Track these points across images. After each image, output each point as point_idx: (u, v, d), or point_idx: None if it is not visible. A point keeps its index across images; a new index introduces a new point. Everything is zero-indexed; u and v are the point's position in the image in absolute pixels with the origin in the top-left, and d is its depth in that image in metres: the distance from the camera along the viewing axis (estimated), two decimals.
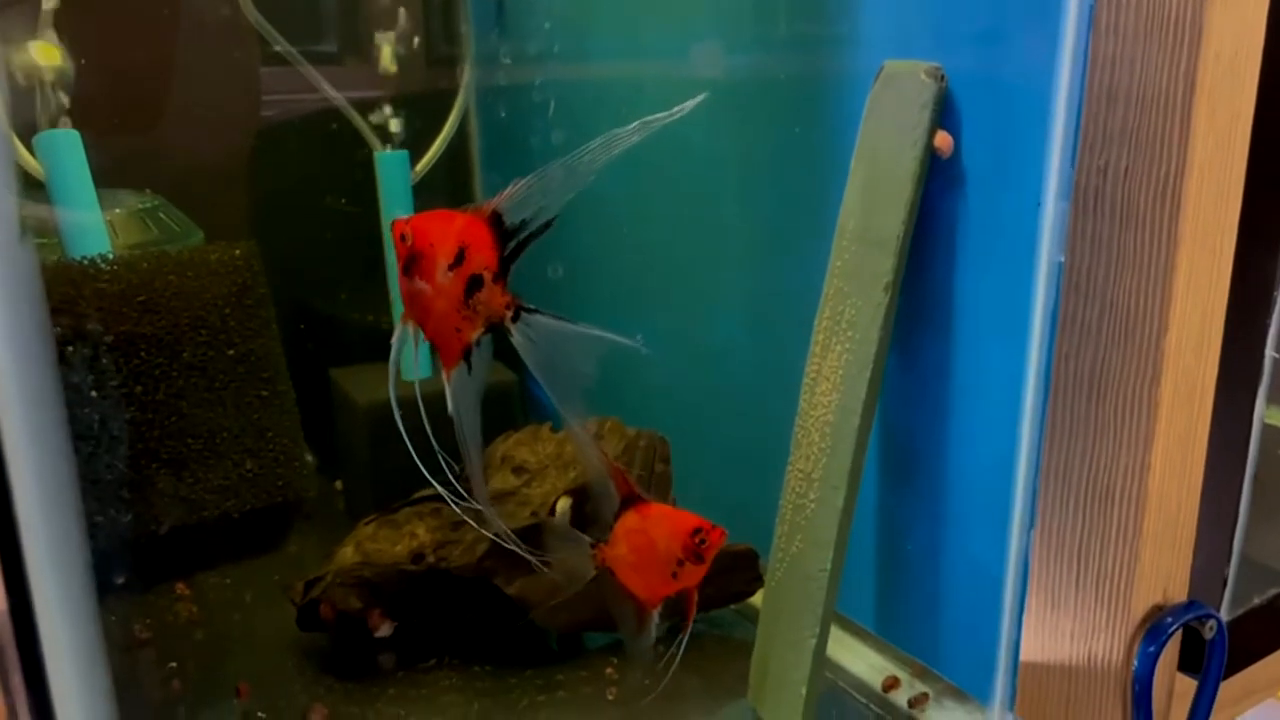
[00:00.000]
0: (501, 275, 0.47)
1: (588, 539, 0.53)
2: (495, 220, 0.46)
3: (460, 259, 0.45)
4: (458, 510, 0.55)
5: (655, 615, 0.53)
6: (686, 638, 0.54)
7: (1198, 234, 0.54)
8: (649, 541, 0.52)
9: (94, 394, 0.54)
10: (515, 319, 0.47)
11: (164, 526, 0.65)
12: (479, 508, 0.54)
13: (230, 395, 0.68)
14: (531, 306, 0.48)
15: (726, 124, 0.70)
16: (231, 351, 0.67)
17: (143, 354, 0.64)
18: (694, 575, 0.53)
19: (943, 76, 0.54)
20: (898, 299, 0.56)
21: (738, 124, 0.70)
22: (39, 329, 0.32)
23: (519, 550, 0.55)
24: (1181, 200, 0.53)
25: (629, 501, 0.53)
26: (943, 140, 0.54)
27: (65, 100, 0.64)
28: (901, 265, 0.55)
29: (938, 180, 0.55)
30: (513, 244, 0.46)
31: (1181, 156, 0.53)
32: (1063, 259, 0.53)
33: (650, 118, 0.46)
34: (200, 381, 0.66)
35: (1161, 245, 0.54)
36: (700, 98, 0.47)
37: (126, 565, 0.60)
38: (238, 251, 0.70)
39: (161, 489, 0.64)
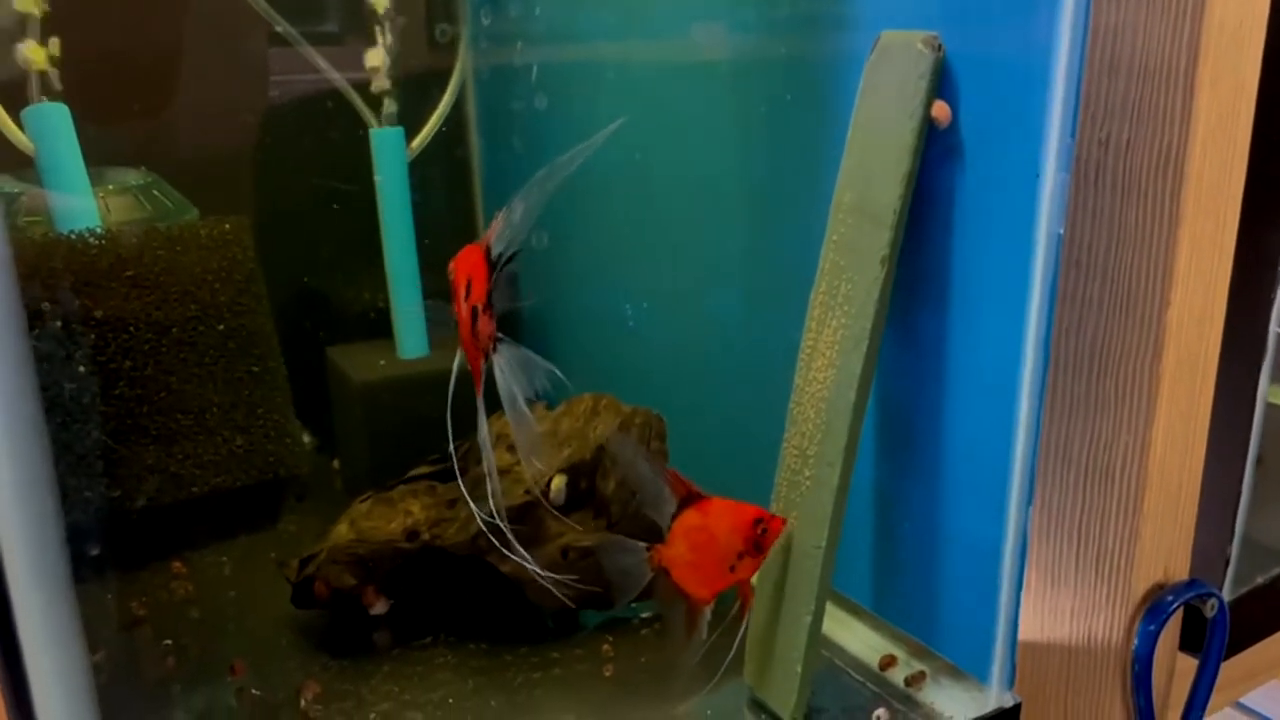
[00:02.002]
0: (489, 306, 0.49)
1: (643, 544, 0.52)
2: (487, 254, 0.49)
3: (469, 292, 0.49)
4: (480, 518, 0.56)
5: (708, 612, 0.53)
6: (745, 629, 0.54)
7: (1200, 207, 0.54)
8: (710, 538, 0.52)
9: (80, 369, 0.53)
10: (494, 349, 0.50)
11: (151, 501, 0.64)
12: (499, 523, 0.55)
13: (220, 371, 0.67)
14: (501, 336, 0.50)
15: (721, 98, 0.69)
16: (221, 327, 0.67)
17: (131, 329, 0.64)
18: (751, 567, 0.53)
19: (940, 46, 0.53)
20: (894, 273, 0.55)
21: (733, 98, 0.69)
22: (7, 300, 0.32)
23: (525, 562, 0.56)
24: (1184, 173, 0.52)
25: (688, 500, 0.52)
26: (940, 111, 0.53)
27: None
28: (898, 238, 0.54)
29: (935, 152, 0.54)
30: (494, 276, 0.49)
31: (1184, 129, 0.52)
32: (1062, 231, 0.52)
33: (584, 144, 0.49)
34: (189, 357, 0.66)
35: (1163, 219, 0.53)
36: (619, 122, 0.50)
37: (117, 542, 0.60)
38: (227, 226, 0.69)
39: (151, 465, 0.64)
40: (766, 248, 0.69)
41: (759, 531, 0.52)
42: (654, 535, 0.53)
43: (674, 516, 0.52)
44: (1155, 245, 0.54)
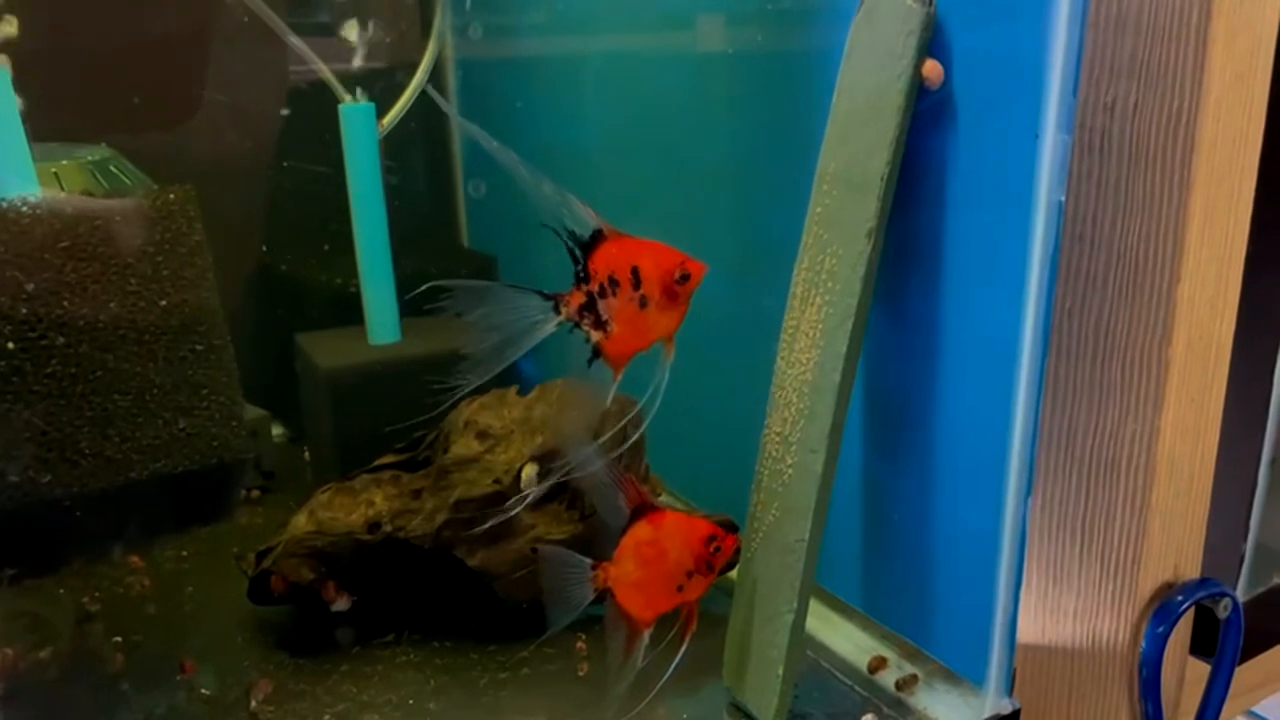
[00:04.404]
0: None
1: (589, 561, 0.49)
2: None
3: (637, 281, 0.49)
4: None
5: (646, 637, 0.50)
6: (681, 656, 0.51)
7: (1213, 175, 0.50)
8: (660, 553, 0.49)
9: (9, 345, 0.50)
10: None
11: (85, 487, 0.61)
12: None
13: (161, 349, 0.64)
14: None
15: (700, 63, 0.66)
16: (164, 302, 0.64)
17: (65, 303, 0.60)
18: (699, 588, 0.51)
19: (931, 1, 0.49)
20: (881, 246, 0.51)
21: (712, 62, 0.65)
22: None
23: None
24: (1195, 138, 0.49)
25: (640, 511, 0.49)
26: (931, 70, 0.50)
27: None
28: (886, 209, 0.51)
29: (926, 115, 0.51)
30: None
31: (1196, 89, 0.49)
32: (1063, 198, 0.48)
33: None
34: (129, 334, 0.62)
35: (1174, 188, 0.50)
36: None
37: (52, 530, 0.57)
38: (172, 196, 0.66)
39: (85, 448, 0.61)
40: (747, 222, 0.66)
41: (711, 550, 0.50)
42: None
43: (625, 529, 0.49)
44: (1165, 217, 0.50)
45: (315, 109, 0.77)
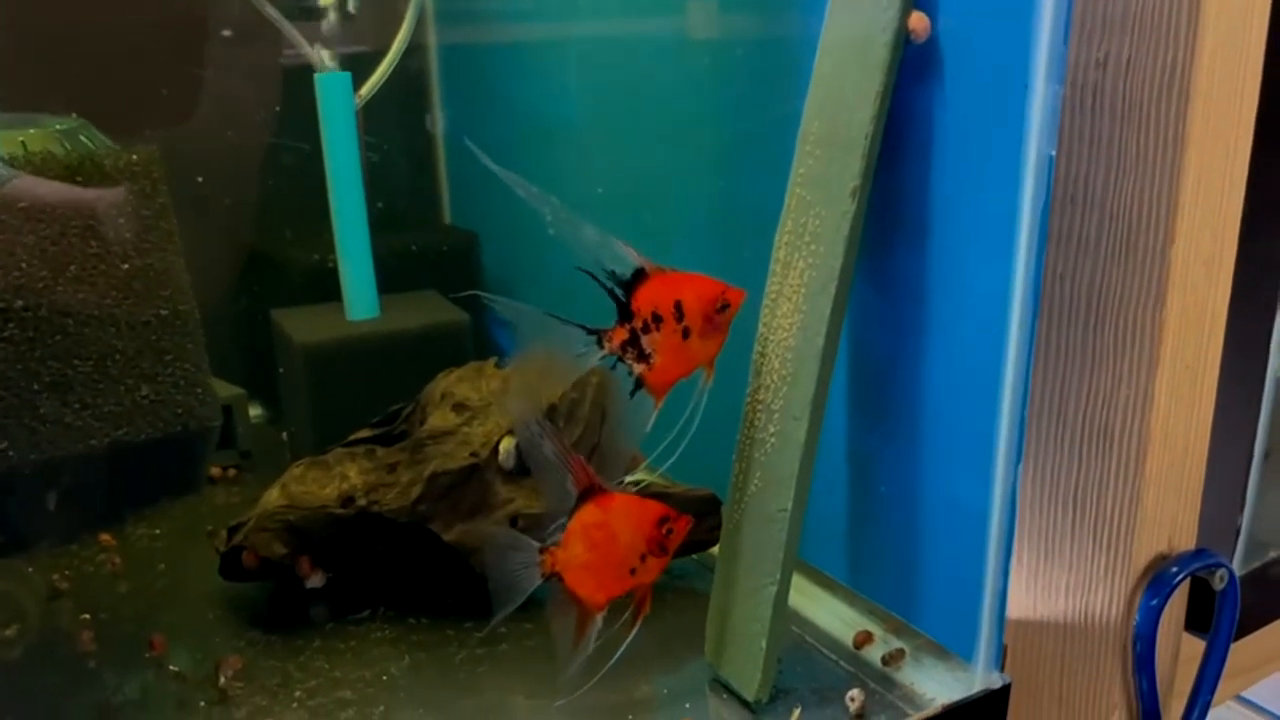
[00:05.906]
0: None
1: (536, 544, 0.48)
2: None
3: (680, 314, 0.50)
4: None
5: (599, 622, 0.49)
6: (632, 637, 0.50)
7: (1208, 132, 0.48)
8: (609, 536, 0.48)
9: None
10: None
11: (42, 454, 0.59)
12: None
13: (124, 313, 0.62)
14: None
15: (677, 20, 0.64)
16: (126, 266, 0.62)
17: (24, 265, 0.59)
18: (653, 570, 0.49)
19: None
20: (866, 207, 0.50)
21: (689, 20, 0.64)
22: None
23: None
24: (1190, 93, 0.47)
25: (588, 493, 0.48)
26: (918, 22, 0.48)
27: None
28: (871, 168, 0.49)
29: (912, 69, 0.49)
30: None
31: (1190, 43, 0.47)
32: (1053, 153, 0.47)
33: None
34: (89, 297, 0.61)
35: (1167, 146, 0.48)
36: None
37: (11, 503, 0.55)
38: (135, 157, 0.64)
39: (43, 414, 0.59)
40: (728, 184, 0.64)
41: (664, 532, 0.49)
42: None
43: (572, 512, 0.48)
44: (1158, 176, 0.49)
45: (294, 81, 0.76)
